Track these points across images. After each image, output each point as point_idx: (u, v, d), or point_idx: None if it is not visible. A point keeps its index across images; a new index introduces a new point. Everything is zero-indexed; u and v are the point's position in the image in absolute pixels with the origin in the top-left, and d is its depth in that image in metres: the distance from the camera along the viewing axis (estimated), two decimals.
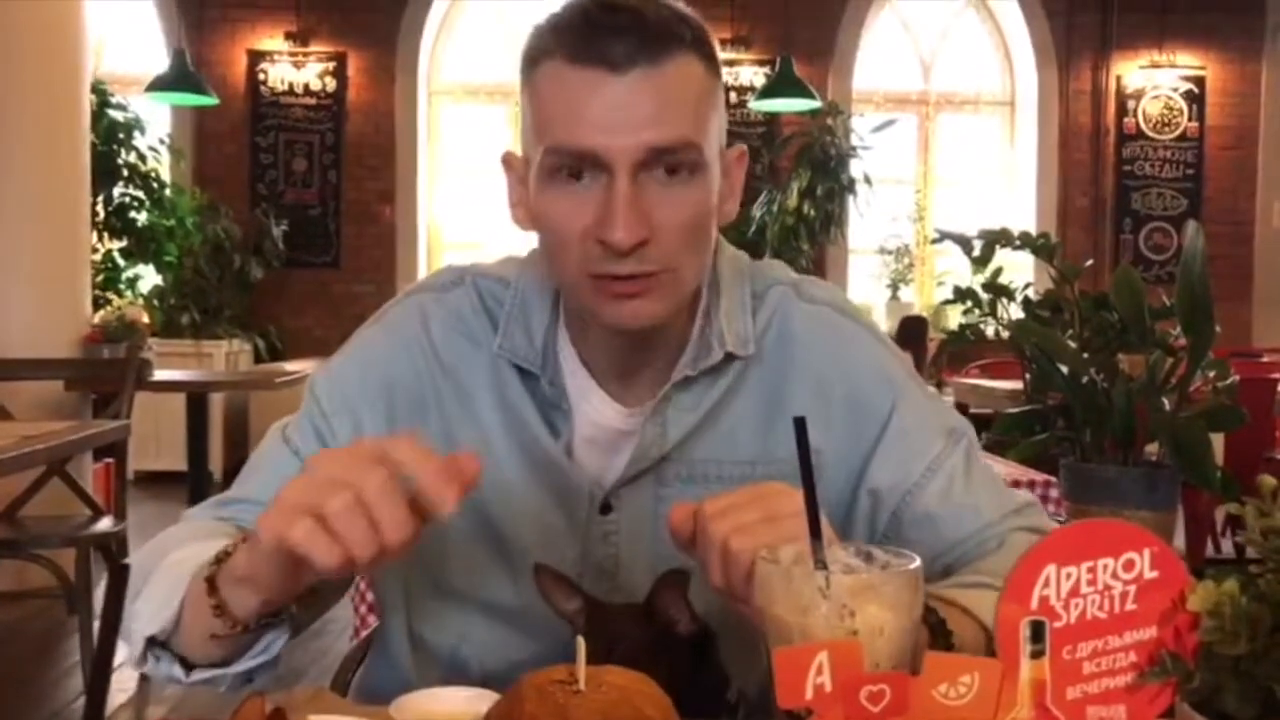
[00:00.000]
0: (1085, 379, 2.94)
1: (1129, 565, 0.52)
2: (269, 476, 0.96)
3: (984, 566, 0.89)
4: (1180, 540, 3.80)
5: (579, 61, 0.83)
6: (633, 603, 0.84)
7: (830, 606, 0.57)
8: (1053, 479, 2.59)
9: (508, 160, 0.93)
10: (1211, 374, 2.91)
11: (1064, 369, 2.97)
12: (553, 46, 0.85)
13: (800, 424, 0.66)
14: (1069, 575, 0.51)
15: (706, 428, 0.94)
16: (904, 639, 0.58)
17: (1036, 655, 0.52)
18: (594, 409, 0.94)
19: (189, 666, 0.83)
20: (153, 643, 0.83)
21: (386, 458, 0.69)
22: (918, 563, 0.59)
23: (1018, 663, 0.52)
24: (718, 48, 0.90)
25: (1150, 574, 0.53)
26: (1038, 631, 0.52)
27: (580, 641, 0.67)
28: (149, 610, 0.83)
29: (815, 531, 0.63)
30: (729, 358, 0.93)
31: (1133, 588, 0.52)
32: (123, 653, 0.91)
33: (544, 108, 0.86)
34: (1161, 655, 0.53)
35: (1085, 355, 2.98)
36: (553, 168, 0.85)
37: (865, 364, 0.97)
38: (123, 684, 3.10)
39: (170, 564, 0.85)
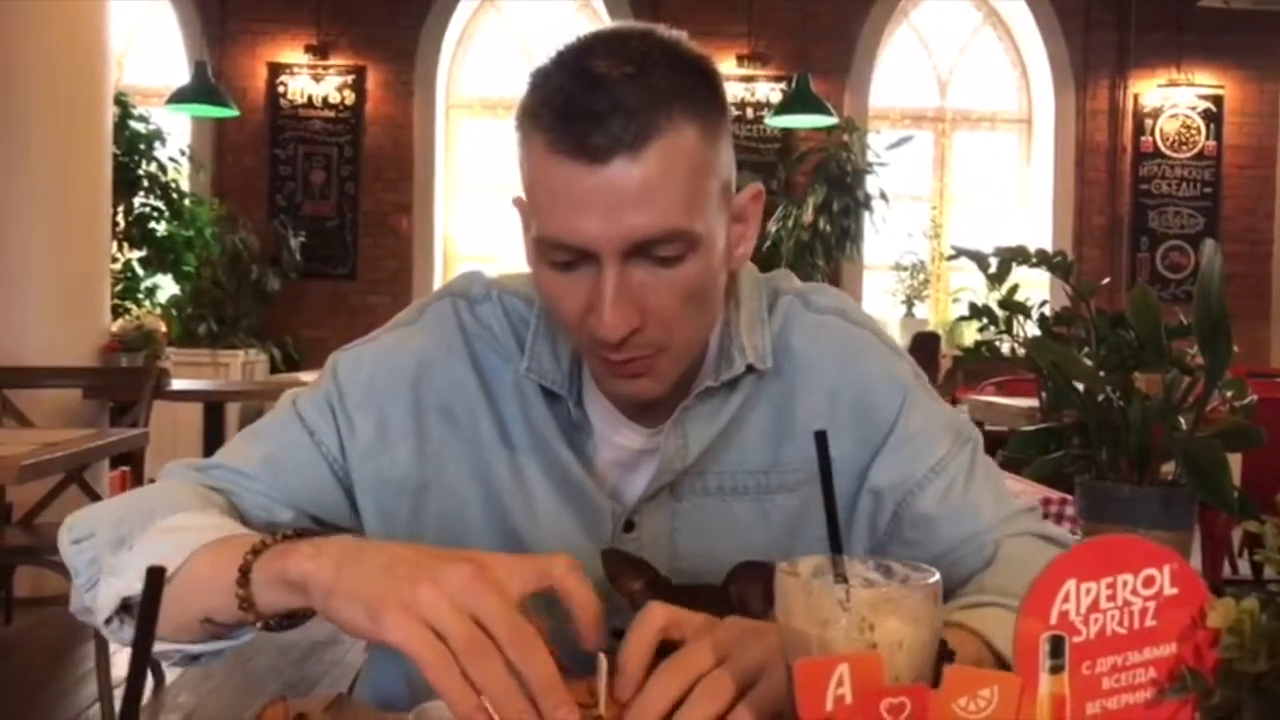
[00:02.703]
0: (1101, 397, 2.93)
1: (1149, 581, 0.52)
2: (272, 449, 0.94)
3: (986, 583, 0.88)
4: (1196, 560, 3.78)
5: (558, 150, 0.79)
6: (705, 584, 0.83)
7: (850, 619, 0.57)
8: (1068, 497, 2.58)
9: (519, 205, 0.90)
10: (1229, 393, 2.89)
11: (1080, 387, 2.96)
12: (535, 123, 0.81)
13: (821, 438, 0.66)
14: (1089, 591, 0.52)
15: (722, 440, 0.94)
16: (923, 652, 0.58)
17: (1056, 670, 0.52)
18: (614, 430, 0.94)
19: None
20: (124, 606, 0.80)
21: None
22: (937, 577, 0.60)
23: (1037, 677, 0.52)
24: (720, 84, 0.85)
25: (1170, 590, 0.53)
26: (1057, 646, 0.52)
27: (602, 659, 0.67)
28: (134, 572, 0.78)
29: (835, 545, 0.63)
30: (748, 370, 0.93)
31: (1152, 604, 0.52)
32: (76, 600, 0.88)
33: (531, 187, 0.83)
34: (1181, 672, 0.53)
35: (1101, 374, 2.97)
36: (543, 253, 0.83)
37: (873, 369, 0.97)
38: None
39: (167, 528, 0.81)
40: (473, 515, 0.94)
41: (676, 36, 0.83)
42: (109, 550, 0.84)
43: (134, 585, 0.76)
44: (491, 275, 1.02)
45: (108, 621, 0.81)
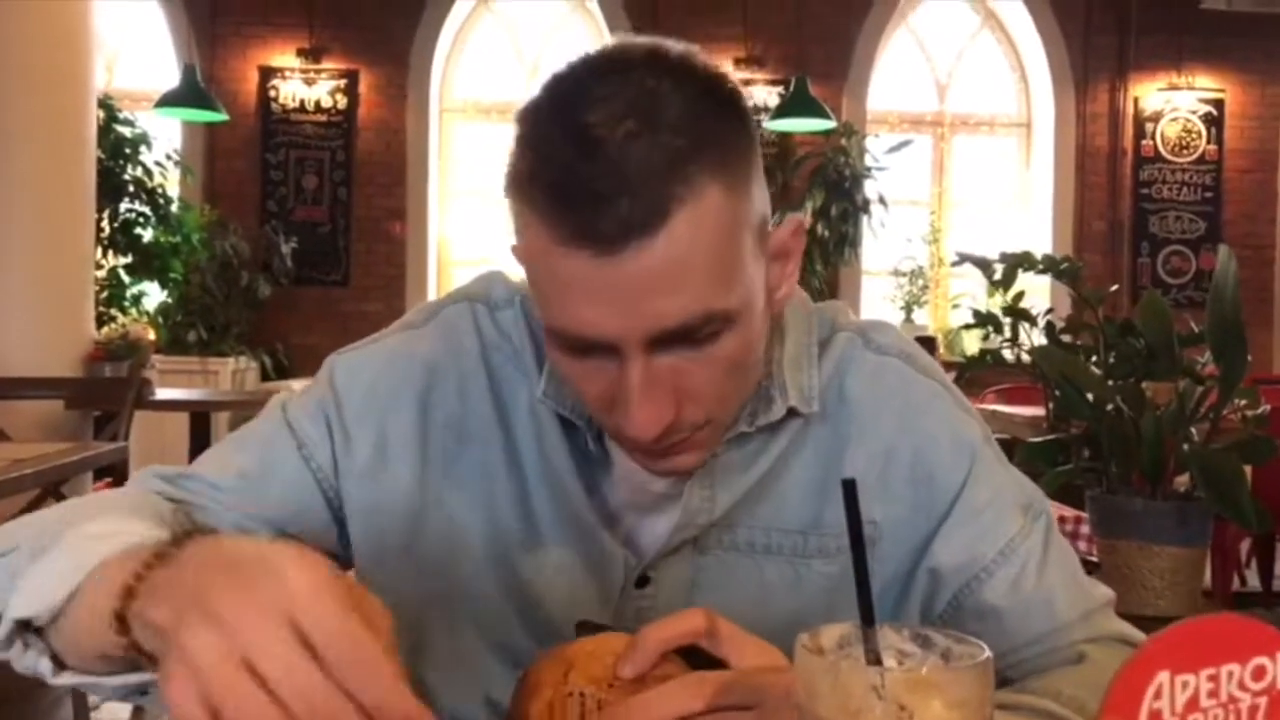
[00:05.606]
0: (1111, 407, 2.84)
1: (1259, 673, 0.43)
2: (253, 461, 0.83)
3: (1047, 684, 0.74)
4: (1206, 574, 3.69)
5: (559, 240, 0.66)
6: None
7: (885, 708, 0.48)
8: (1083, 514, 2.50)
9: (516, 255, 0.75)
10: (1241, 403, 2.81)
11: (1089, 397, 2.87)
12: (529, 201, 0.67)
13: (849, 488, 0.55)
14: (1185, 684, 0.42)
15: (757, 492, 0.82)
16: None
17: None
18: (634, 470, 0.81)
19: (60, 664, 0.64)
20: (25, 626, 0.63)
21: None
22: (988, 653, 0.50)
23: None
24: (742, 106, 0.71)
25: None
26: None
27: None
28: (32, 587, 0.62)
29: (867, 618, 0.53)
30: (790, 413, 0.81)
31: (1264, 700, 0.43)
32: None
33: (530, 268, 0.71)
34: None
35: (1111, 383, 2.88)
36: (553, 340, 0.72)
37: (937, 427, 0.84)
38: (115, 714, 3.02)
39: (81, 536, 0.64)
40: (472, 549, 0.83)
41: (684, 56, 0.70)
42: (29, 563, 0.68)
43: (23, 607, 0.62)
44: (515, 279, 0.89)
45: (8, 644, 0.64)
